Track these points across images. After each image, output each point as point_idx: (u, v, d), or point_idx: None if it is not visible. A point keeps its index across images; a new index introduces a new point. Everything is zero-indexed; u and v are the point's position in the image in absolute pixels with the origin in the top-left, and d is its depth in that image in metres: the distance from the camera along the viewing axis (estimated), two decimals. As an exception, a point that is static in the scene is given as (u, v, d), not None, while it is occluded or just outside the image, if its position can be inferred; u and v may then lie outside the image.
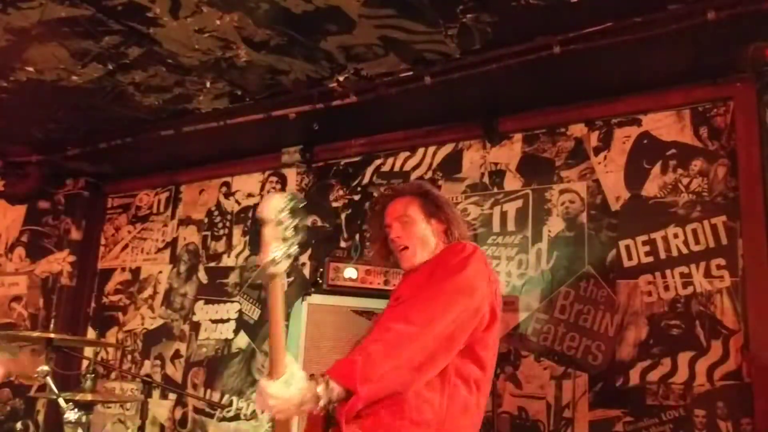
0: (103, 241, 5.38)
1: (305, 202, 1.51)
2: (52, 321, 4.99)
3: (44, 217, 5.42)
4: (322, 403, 1.54)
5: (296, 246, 1.45)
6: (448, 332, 1.71)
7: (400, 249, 2.07)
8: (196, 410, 4.51)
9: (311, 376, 1.55)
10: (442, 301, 1.74)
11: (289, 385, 1.49)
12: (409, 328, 1.67)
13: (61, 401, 2.73)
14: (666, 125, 3.38)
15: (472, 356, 1.81)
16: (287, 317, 4.02)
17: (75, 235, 5.28)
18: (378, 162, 4.25)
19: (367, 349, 1.62)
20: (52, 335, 3.02)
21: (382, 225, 2.16)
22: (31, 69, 3.60)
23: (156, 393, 4.61)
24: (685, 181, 3.27)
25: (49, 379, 2.75)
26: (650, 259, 3.26)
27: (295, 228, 1.45)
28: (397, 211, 2.11)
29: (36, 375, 2.73)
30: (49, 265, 5.29)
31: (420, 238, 2.06)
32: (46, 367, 2.78)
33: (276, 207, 1.43)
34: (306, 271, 4.31)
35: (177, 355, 4.69)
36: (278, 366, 1.50)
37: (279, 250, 1.42)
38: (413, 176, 4.03)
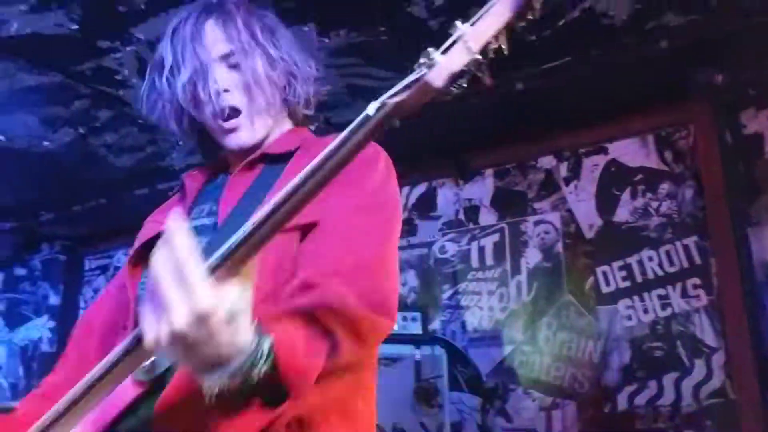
0: (82, 304, 5.31)
1: None
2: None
3: (21, 284, 5.37)
4: (232, 371, 0.82)
5: None
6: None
7: (225, 113, 1.21)
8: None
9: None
10: (391, 257, 1.11)
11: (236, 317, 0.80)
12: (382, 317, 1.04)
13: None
14: (632, 151, 3.46)
15: None
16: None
17: (53, 299, 5.23)
18: (354, 206, 4.26)
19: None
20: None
21: (188, 60, 1.19)
22: (1, 137, 3.61)
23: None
24: (655, 204, 3.33)
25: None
26: (627, 283, 3.30)
27: None
28: (223, 45, 1.21)
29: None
30: (28, 332, 5.22)
31: (258, 96, 1.21)
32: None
33: None
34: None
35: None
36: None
37: None
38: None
